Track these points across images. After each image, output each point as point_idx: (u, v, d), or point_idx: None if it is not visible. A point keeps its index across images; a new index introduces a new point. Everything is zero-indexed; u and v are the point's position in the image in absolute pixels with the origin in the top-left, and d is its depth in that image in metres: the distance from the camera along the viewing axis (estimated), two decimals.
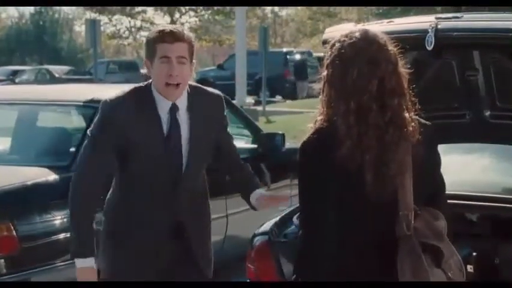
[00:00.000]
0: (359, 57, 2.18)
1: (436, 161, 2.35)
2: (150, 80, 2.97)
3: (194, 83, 3.04)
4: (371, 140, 2.16)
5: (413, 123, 2.22)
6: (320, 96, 2.27)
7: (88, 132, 2.96)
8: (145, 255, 2.96)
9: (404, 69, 2.24)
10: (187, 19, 35.47)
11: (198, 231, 3.03)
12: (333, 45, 2.24)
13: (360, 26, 2.61)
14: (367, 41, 2.20)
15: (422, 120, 2.29)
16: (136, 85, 3.00)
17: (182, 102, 2.93)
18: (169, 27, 2.90)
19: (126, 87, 2.99)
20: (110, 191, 3.04)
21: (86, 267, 2.85)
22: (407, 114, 2.22)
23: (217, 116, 3.05)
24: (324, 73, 2.24)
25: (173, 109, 2.92)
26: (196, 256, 3.02)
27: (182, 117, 2.93)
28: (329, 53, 2.24)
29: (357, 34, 2.22)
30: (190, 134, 2.92)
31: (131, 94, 2.94)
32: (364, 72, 2.17)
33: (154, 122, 2.89)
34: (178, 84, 2.87)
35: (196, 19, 35.48)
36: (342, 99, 2.18)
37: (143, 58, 2.97)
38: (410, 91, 2.26)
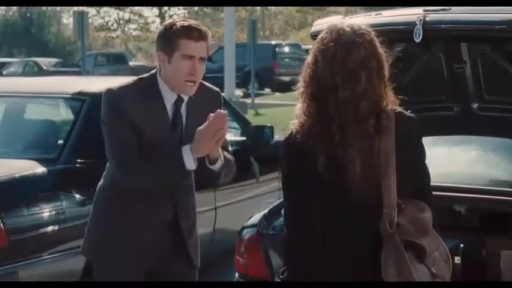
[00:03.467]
0: (343, 52, 2.17)
1: (422, 154, 2.35)
2: (154, 71, 2.95)
3: None
4: (352, 134, 2.16)
5: (394, 118, 2.21)
6: (301, 90, 2.26)
7: (103, 123, 2.90)
8: (141, 245, 2.93)
9: (387, 65, 2.23)
10: (176, 11, 35.41)
11: (188, 223, 3.04)
12: (319, 37, 2.24)
13: (348, 20, 2.61)
14: (352, 35, 2.20)
15: (407, 113, 2.29)
16: (140, 76, 2.97)
17: (184, 97, 2.92)
18: (191, 22, 2.85)
19: (128, 79, 2.95)
20: (102, 181, 3.02)
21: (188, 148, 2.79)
22: (389, 108, 2.21)
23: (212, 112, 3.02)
24: (308, 67, 2.24)
25: (178, 101, 2.91)
26: (187, 246, 3.03)
27: (183, 111, 2.93)
28: (316, 45, 2.24)
29: (343, 28, 2.22)
30: (187, 127, 2.91)
31: (137, 84, 2.92)
32: (348, 66, 2.16)
33: (161, 113, 2.88)
34: (195, 82, 2.87)
35: (185, 11, 35.41)
36: (323, 93, 2.18)
37: (157, 50, 2.88)
38: (394, 84, 2.25)
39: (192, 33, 2.81)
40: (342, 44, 2.19)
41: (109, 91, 2.89)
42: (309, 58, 2.24)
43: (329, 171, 2.18)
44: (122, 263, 2.95)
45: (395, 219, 2.19)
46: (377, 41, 2.22)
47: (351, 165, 2.16)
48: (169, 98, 2.90)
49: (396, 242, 2.18)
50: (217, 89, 3.08)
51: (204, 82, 3.05)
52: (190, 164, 2.81)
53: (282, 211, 3.21)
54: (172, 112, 2.90)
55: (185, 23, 2.83)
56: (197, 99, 2.94)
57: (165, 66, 2.87)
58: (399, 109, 2.25)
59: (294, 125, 2.25)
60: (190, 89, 2.88)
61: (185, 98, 2.92)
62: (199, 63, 2.84)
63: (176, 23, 2.84)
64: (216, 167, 2.88)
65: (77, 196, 4.05)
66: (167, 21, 2.94)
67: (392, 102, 2.23)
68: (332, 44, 2.19)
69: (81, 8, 31.27)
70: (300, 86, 2.26)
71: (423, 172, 2.37)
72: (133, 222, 2.93)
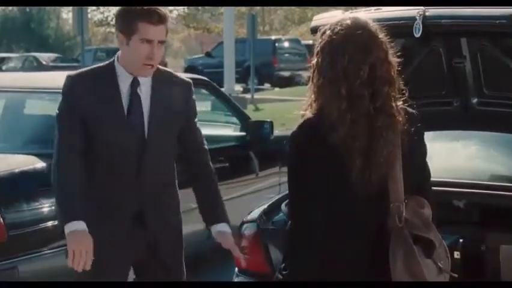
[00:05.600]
0: (350, 44, 2.17)
1: (423, 150, 2.36)
2: (113, 58, 2.89)
3: (164, 68, 2.96)
4: (361, 127, 2.16)
5: (400, 113, 2.22)
6: (309, 85, 2.26)
7: (56, 113, 2.89)
8: (110, 244, 2.82)
9: (393, 58, 2.23)
10: (175, 6, 35.34)
11: (162, 224, 2.90)
12: (324, 32, 2.24)
13: (349, 14, 2.61)
14: (358, 28, 2.20)
15: (410, 110, 2.29)
16: (101, 63, 2.93)
17: (145, 79, 2.85)
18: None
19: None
20: None
21: (82, 229, 2.69)
22: (394, 104, 2.22)
23: (182, 102, 2.93)
24: (314, 61, 2.23)
25: (134, 83, 2.84)
26: (163, 253, 2.91)
27: (145, 95, 2.85)
28: (320, 40, 2.24)
29: (348, 21, 2.21)
30: (150, 112, 2.84)
31: (93, 70, 2.89)
32: (355, 58, 2.16)
33: (114, 97, 2.81)
34: (153, 65, 2.81)
35: (184, 6, 35.35)
36: (332, 86, 2.17)
37: (115, 30, 2.83)
38: (399, 80, 2.25)
39: (152, 16, 2.73)
40: (347, 37, 2.18)
41: (67, 78, 2.86)
42: (316, 53, 2.23)
43: (338, 163, 2.17)
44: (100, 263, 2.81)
45: (404, 214, 2.19)
46: (381, 34, 2.22)
47: (359, 156, 2.16)
48: (124, 81, 2.83)
49: (406, 236, 2.18)
50: (189, 80, 3.00)
51: (174, 73, 3.00)
52: (70, 226, 2.70)
53: (282, 206, 3.22)
54: (129, 95, 2.83)
55: (145, 6, 2.74)
56: (162, 87, 2.87)
57: (123, 47, 2.81)
58: (403, 106, 2.25)
59: (302, 118, 2.24)
60: (148, 72, 2.82)
61: (145, 82, 2.85)
62: (158, 47, 2.77)
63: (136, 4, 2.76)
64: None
65: None
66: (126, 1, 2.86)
67: (397, 99, 2.23)
68: (337, 37, 2.19)
69: None
70: (309, 81, 2.25)
71: (424, 168, 2.37)
72: (95, 217, 2.81)
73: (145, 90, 2.85)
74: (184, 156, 3.01)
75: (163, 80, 2.89)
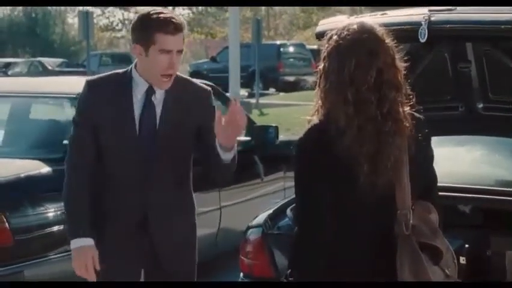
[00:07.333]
0: (357, 49, 2.17)
1: (430, 155, 2.35)
2: (131, 66, 2.90)
3: (182, 76, 2.95)
4: (368, 132, 2.16)
5: (407, 118, 2.22)
6: (316, 90, 2.26)
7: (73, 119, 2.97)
8: (118, 247, 2.86)
9: (400, 63, 2.23)
10: (180, 11, 35.45)
11: (165, 229, 2.88)
12: (331, 37, 2.23)
13: (354, 18, 2.61)
14: (364, 32, 2.20)
15: (416, 114, 2.29)
16: (119, 70, 2.95)
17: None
18: (167, 13, 2.78)
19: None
20: None
21: (84, 245, 2.79)
22: (401, 109, 2.22)
23: (197, 110, 2.90)
24: (321, 66, 2.23)
25: (149, 91, 2.85)
26: (164, 256, 2.89)
27: (158, 102, 2.85)
28: (326, 45, 2.23)
29: (354, 26, 2.21)
30: (160, 119, 2.84)
31: (109, 76, 2.92)
32: (362, 63, 2.16)
33: (126, 104, 2.83)
34: (171, 75, 2.82)
35: (189, 11, 35.46)
36: (339, 91, 2.17)
37: (132, 42, 2.83)
38: (406, 85, 2.25)
39: (169, 27, 2.74)
40: (354, 42, 2.18)
41: (85, 83, 2.92)
42: (323, 58, 2.23)
43: (345, 168, 2.17)
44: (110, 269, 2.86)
45: (411, 221, 2.19)
46: (387, 39, 2.22)
47: (366, 161, 2.16)
48: (140, 89, 2.85)
49: (412, 244, 2.18)
50: (208, 88, 2.98)
51: (193, 80, 3.00)
52: (73, 243, 2.82)
53: (287, 211, 3.22)
54: (142, 103, 2.84)
55: (161, 16, 2.76)
56: (178, 93, 2.87)
57: (142, 59, 2.82)
58: (409, 111, 2.25)
59: (309, 123, 2.24)
60: (165, 84, 2.83)
61: (159, 90, 2.85)
62: (177, 56, 2.79)
63: (152, 15, 2.77)
64: (229, 156, 2.75)
65: None
66: (142, 12, 2.85)
67: (404, 104, 2.23)
68: (344, 42, 2.19)
69: (86, 8, 31.36)
70: (316, 86, 2.25)
71: (430, 173, 2.37)
72: (102, 220, 2.87)
73: (159, 97, 2.86)
74: (203, 159, 2.92)
75: (178, 88, 2.88)
